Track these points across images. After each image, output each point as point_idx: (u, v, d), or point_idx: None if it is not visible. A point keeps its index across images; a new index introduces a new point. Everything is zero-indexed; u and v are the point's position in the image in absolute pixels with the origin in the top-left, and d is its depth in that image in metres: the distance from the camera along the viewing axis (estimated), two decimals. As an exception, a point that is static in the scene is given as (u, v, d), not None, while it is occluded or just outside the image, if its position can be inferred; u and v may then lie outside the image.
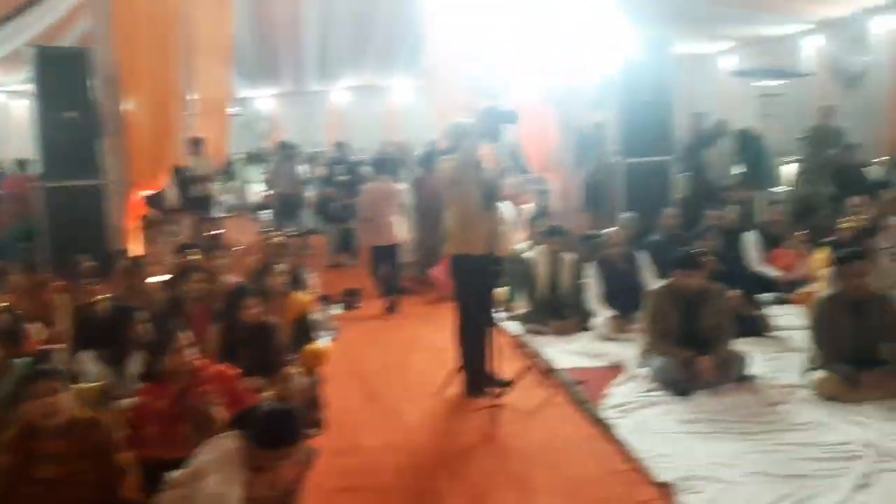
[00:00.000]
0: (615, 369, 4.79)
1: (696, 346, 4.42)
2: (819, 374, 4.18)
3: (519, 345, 5.62)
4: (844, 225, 6.01)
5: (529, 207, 8.51)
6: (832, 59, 13.99)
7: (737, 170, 10.18)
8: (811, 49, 14.56)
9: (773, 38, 15.25)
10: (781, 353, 4.96)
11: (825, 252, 5.86)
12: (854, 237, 5.55)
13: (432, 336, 5.86)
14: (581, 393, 4.44)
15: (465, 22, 9.16)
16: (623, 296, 5.70)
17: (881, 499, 2.97)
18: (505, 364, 4.68)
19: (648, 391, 4.34)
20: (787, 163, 11.05)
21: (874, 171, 10.08)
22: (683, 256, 4.69)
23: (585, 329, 5.75)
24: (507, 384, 4.54)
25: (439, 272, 6.85)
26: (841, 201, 8.16)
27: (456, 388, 4.62)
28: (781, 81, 9.45)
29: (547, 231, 6.32)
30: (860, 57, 13.38)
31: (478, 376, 4.56)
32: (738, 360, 4.49)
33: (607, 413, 4.07)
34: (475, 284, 4.59)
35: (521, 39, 8.45)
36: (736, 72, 13.19)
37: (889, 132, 12.44)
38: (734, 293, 5.38)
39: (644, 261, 6.16)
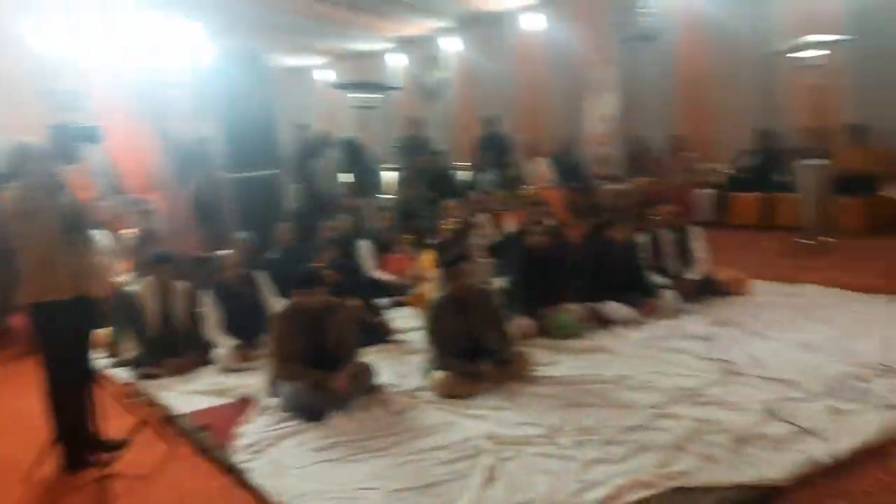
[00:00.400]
0: (244, 404, 4.43)
1: (326, 365, 4.30)
2: (437, 374, 4.37)
3: (130, 395, 4.90)
4: (444, 227, 6.49)
5: (131, 233, 7.62)
6: (413, 74, 15.44)
7: (344, 179, 10.50)
8: (395, 65, 15.88)
9: (362, 53, 16.28)
10: (404, 357, 5.12)
11: (430, 254, 6.29)
12: (453, 237, 6.00)
13: (14, 404, 4.81)
14: (207, 439, 4.00)
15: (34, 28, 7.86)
16: (245, 322, 5.35)
17: (506, 489, 3.13)
18: (113, 422, 4.00)
19: (281, 423, 4.08)
20: (387, 170, 11.77)
21: (461, 175, 11.26)
22: (303, 275, 4.53)
23: (206, 363, 5.26)
24: (117, 446, 3.88)
25: (19, 321, 5.69)
26: (437, 204, 8.92)
27: (52, 464, 3.80)
28: (375, 94, 9.99)
29: (154, 258, 5.65)
30: (436, 73, 15.00)
31: (79, 444, 3.81)
32: (367, 371, 4.49)
33: (239, 457, 3.70)
34: (64, 334, 3.82)
35: (99, 49, 7.55)
36: (334, 84, 13.69)
37: (463, 139, 14.13)
38: (355, 302, 5.44)
39: (263, 281, 5.88)
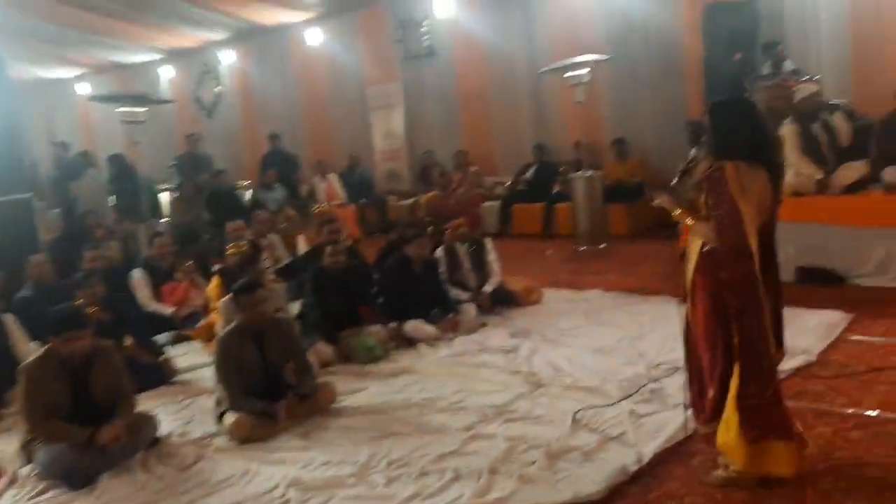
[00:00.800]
0: (-9, 476, 3.68)
1: (95, 420, 3.68)
2: (231, 416, 3.93)
3: None
4: (230, 251, 5.99)
5: None
6: (188, 88, 14.47)
7: (112, 201, 9.51)
8: (167, 78, 14.78)
9: (128, 65, 14.96)
10: (192, 400, 4.59)
11: (216, 281, 5.75)
12: (241, 262, 5.53)
13: None
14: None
15: None
16: (-10, 375, 4.50)
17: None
18: None
19: (40, 494, 3.42)
20: (163, 191, 10.86)
21: (245, 194, 10.67)
22: (62, 316, 3.84)
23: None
24: None
25: None
26: (220, 227, 8.31)
27: None
28: (140, 108, 9.12)
29: None
30: (213, 87, 14.18)
31: None
32: (147, 421, 3.93)
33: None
34: None
35: None
36: (94, 97, 12.38)
37: (246, 156, 13.50)
38: (128, 342, 4.82)
39: (13, 325, 5.01)
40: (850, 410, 3.54)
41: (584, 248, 8.15)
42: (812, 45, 7.89)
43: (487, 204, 10.15)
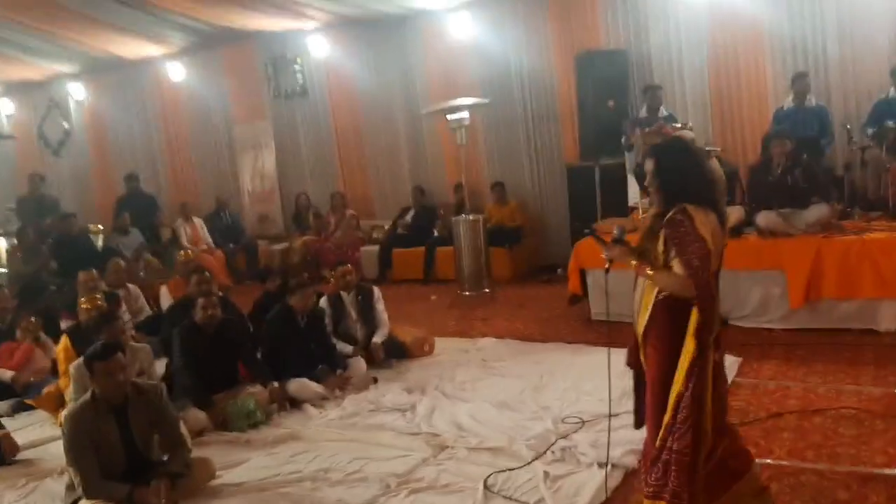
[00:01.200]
0: None
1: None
2: (89, 505, 3.33)
3: None
4: (83, 305, 5.27)
5: None
6: (31, 123, 13.23)
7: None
8: (5, 112, 13.46)
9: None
10: (36, 484, 3.91)
11: (66, 340, 5.03)
12: (97, 318, 4.85)
13: None
14: None
15: None
16: None
17: None
18: None
19: None
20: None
21: (97, 240, 9.74)
22: None
23: None
24: None
25: None
26: (69, 277, 7.46)
27: None
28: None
29: None
30: (61, 123, 13.02)
31: None
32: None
33: None
34: None
35: None
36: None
37: (99, 198, 12.44)
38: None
39: None
40: (766, 461, 3.46)
41: (468, 293, 7.97)
42: (677, 93, 8.24)
43: (366, 248, 9.83)
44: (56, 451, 4.07)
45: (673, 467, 2.61)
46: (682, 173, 2.69)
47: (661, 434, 2.65)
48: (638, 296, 2.79)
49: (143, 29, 10.03)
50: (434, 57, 9.69)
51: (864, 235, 5.51)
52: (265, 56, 10.85)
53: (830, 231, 5.69)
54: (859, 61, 7.41)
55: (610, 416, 3.21)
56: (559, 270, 8.86)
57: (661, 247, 2.66)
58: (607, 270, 2.93)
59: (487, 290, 8.01)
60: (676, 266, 2.60)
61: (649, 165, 2.75)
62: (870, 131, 6.66)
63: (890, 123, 6.28)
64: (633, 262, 2.75)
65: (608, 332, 4.12)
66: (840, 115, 7.33)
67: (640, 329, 2.76)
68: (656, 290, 2.70)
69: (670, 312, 2.65)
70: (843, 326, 5.47)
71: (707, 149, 6.56)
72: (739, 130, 8.17)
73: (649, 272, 2.68)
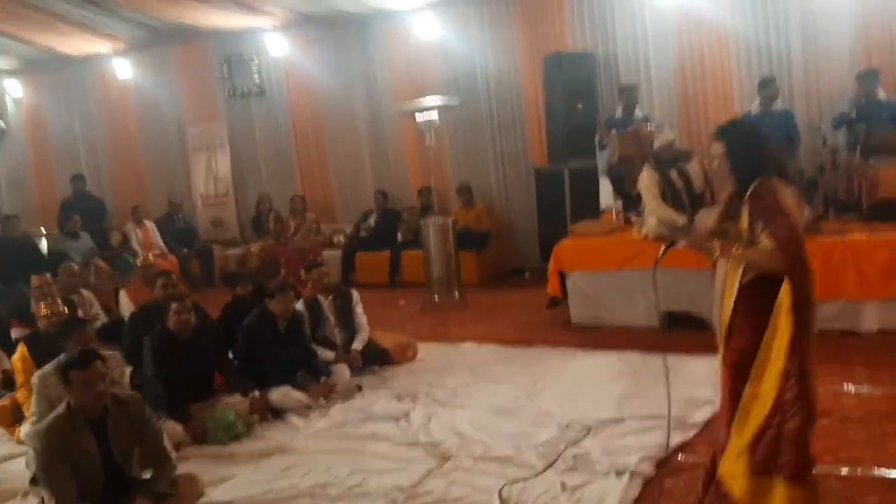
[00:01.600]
0: None
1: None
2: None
3: None
4: (43, 312, 4.86)
5: None
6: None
7: None
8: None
9: None
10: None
11: (22, 350, 4.63)
12: (62, 327, 4.47)
13: None
14: None
15: None
16: None
17: None
18: None
19: None
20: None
21: (40, 243, 9.19)
22: None
23: None
24: None
25: None
26: (11, 283, 7.03)
27: None
28: None
29: None
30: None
31: None
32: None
33: None
34: None
35: None
36: None
37: (42, 200, 11.80)
38: None
39: None
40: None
41: (438, 297, 7.77)
42: (644, 95, 8.21)
43: (327, 253, 9.52)
44: (17, 470, 3.72)
45: (787, 444, 2.55)
46: (754, 150, 2.67)
47: (766, 413, 2.56)
48: (719, 282, 2.70)
49: (88, 24, 9.55)
50: (398, 58, 9.47)
51: (844, 237, 5.55)
52: (220, 54, 10.44)
53: (811, 233, 5.72)
54: (823, 64, 7.54)
55: (669, 420, 3.17)
56: (527, 274, 8.77)
57: (743, 224, 2.59)
58: (658, 262, 2.88)
59: (457, 295, 7.83)
60: (765, 239, 2.52)
61: (718, 149, 2.72)
62: (840, 134, 6.74)
63: (861, 126, 6.37)
64: (715, 246, 2.68)
65: (667, 338, 3.90)
66: (804, 118, 7.43)
67: (725, 315, 2.66)
68: (740, 272, 2.60)
69: (757, 293, 2.57)
70: (826, 328, 5.47)
71: (688, 150, 6.59)
72: (706, 132, 8.19)
73: (737, 251, 2.59)
